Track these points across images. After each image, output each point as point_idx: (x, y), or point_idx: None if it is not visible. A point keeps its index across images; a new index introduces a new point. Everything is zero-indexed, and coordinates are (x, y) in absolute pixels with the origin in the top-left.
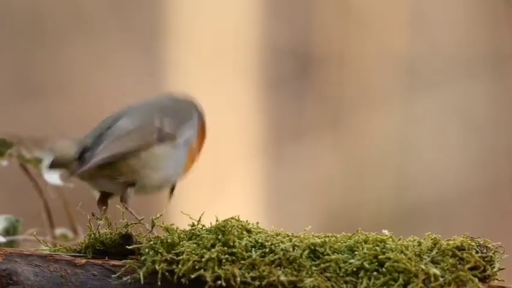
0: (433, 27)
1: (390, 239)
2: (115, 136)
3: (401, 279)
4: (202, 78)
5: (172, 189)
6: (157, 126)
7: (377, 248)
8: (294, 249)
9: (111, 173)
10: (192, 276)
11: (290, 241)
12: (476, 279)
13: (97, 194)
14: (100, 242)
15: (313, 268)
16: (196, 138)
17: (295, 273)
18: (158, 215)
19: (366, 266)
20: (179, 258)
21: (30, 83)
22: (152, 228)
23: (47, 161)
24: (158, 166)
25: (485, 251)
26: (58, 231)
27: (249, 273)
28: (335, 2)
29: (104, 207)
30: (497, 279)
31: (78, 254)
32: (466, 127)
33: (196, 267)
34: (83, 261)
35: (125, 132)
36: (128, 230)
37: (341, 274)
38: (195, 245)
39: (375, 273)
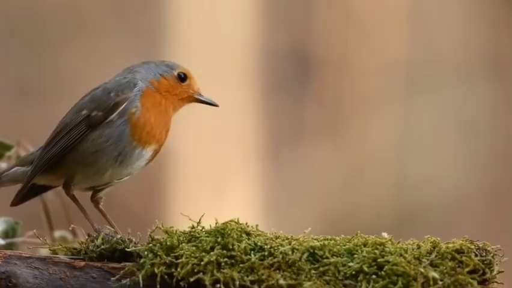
0: (432, 31)
1: (390, 242)
2: (46, 143)
3: (400, 283)
4: (202, 82)
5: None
6: (83, 115)
7: (376, 251)
8: (293, 252)
9: (62, 173)
10: (191, 279)
11: (289, 244)
12: (475, 283)
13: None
14: (98, 254)
15: (313, 271)
16: (140, 105)
17: (294, 276)
18: (157, 224)
19: (365, 269)
20: (178, 261)
21: (31, 86)
22: (154, 229)
23: None
24: (96, 148)
25: (484, 254)
26: (57, 233)
27: (248, 276)
28: (334, 6)
29: (98, 205)
30: (496, 282)
31: (77, 257)
32: (464, 130)
33: (195, 270)
34: (83, 263)
35: (53, 134)
36: (128, 245)
37: (340, 277)
38: (194, 248)
39: (374, 276)
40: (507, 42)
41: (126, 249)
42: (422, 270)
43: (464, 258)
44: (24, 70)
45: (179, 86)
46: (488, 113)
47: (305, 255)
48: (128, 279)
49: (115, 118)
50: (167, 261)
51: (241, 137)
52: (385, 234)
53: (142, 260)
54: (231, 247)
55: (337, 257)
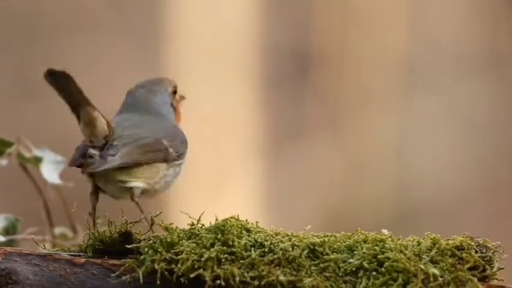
0: (433, 26)
1: (390, 239)
2: (137, 144)
3: (400, 279)
4: (201, 78)
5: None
6: (165, 146)
7: (376, 247)
8: (293, 248)
9: (123, 177)
10: (191, 275)
11: (289, 241)
12: (476, 279)
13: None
14: (99, 240)
15: (313, 268)
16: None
17: (294, 272)
18: (158, 213)
19: (366, 265)
20: (178, 257)
21: (29, 82)
22: (151, 226)
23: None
24: (157, 180)
25: (484, 250)
26: (57, 230)
27: (248, 272)
28: (334, 1)
29: (96, 201)
30: (496, 279)
31: (77, 253)
32: (465, 126)
33: (196, 266)
34: (83, 260)
35: (144, 143)
36: (128, 227)
37: (340, 274)
38: (194, 245)
39: (374, 273)
40: (508, 38)
41: (126, 246)
42: (422, 266)
43: (464, 255)
44: (23, 66)
45: (177, 102)
46: (489, 109)
47: (305, 252)
48: (128, 275)
49: (181, 164)
50: (167, 258)
51: (241, 133)
52: (385, 231)
53: (142, 257)
54: (231, 243)
55: (337, 253)
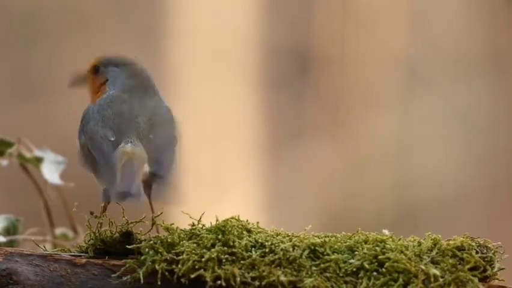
0: (433, 27)
1: (390, 239)
2: (170, 155)
3: (400, 280)
4: (201, 78)
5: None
6: (177, 139)
7: (377, 248)
8: (294, 249)
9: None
10: (192, 276)
11: (290, 241)
12: (476, 280)
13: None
14: (100, 240)
15: (313, 268)
16: None
17: (295, 273)
18: (159, 213)
19: (366, 266)
20: (179, 258)
21: (30, 83)
22: (152, 226)
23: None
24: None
25: (485, 251)
26: (58, 230)
27: (248, 273)
28: (335, 2)
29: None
30: (497, 279)
31: (78, 254)
32: (465, 127)
33: (196, 267)
34: (83, 260)
35: (173, 149)
36: (129, 227)
37: (340, 274)
38: (194, 245)
39: (375, 273)
40: (508, 38)
41: (127, 246)
42: (423, 267)
43: (465, 255)
44: (24, 67)
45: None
46: (489, 109)
47: (306, 252)
48: (129, 276)
49: None
50: (168, 258)
51: (241, 133)
52: (386, 231)
53: (143, 257)
54: (231, 244)
55: (338, 254)
